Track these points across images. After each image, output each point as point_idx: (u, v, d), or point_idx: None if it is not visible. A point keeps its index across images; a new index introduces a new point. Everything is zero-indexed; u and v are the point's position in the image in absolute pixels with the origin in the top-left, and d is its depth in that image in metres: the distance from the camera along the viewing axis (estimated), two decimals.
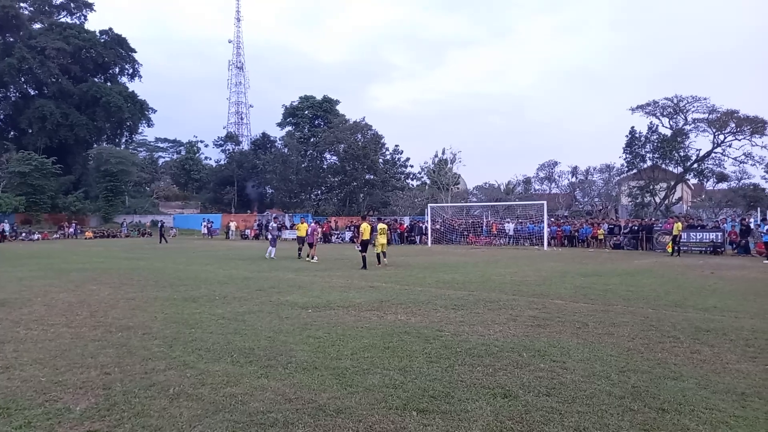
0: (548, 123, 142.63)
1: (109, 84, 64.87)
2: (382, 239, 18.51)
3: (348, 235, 37.98)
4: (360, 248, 17.82)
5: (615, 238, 28.26)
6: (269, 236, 22.71)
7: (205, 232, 45.67)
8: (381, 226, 18.48)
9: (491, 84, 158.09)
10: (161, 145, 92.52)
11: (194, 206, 73.36)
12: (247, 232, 44.42)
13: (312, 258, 20.27)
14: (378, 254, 18.27)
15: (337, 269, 16.80)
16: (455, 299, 10.38)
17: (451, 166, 57.53)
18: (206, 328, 7.70)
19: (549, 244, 29.30)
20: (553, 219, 36.40)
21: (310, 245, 20.74)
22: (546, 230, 29.13)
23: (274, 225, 23.59)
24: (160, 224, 41.67)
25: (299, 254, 21.81)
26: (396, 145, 71.25)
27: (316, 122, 76.26)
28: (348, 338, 7.05)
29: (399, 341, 6.92)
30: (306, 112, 74.46)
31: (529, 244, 31.63)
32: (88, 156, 57.33)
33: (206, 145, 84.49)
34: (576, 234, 30.64)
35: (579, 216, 50.17)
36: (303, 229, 22.29)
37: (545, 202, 30.17)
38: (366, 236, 17.64)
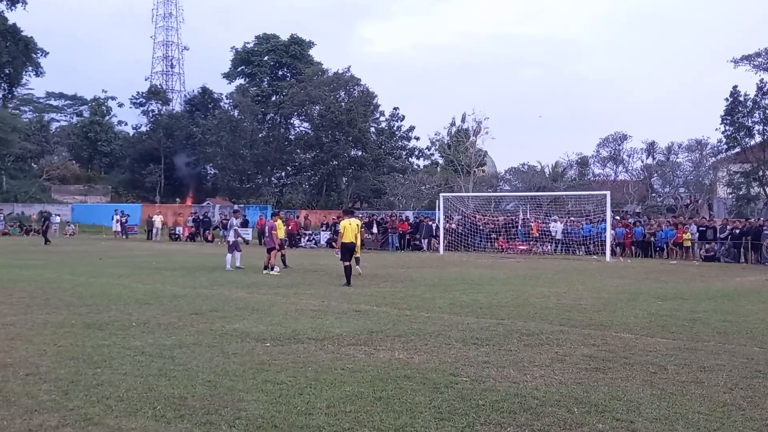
0: (610, 80, 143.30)
1: None
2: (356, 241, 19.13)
3: (325, 236, 38.04)
4: (340, 255, 17.87)
5: (708, 246, 28.45)
6: (229, 237, 22.90)
7: (118, 229, 45.61)
8: (349, 222, 18.08)
9: (527, 25, 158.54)
10: (55, 103, 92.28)
11: (102, 192, 73.23)
12: (179, 230, 44.40)
13: (271, 269, 20.30)
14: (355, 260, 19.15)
15: (308, 285, 16.88)
16: (477, 330, 10.42)
17: (474, 139, 57.56)
18: (118, 367, 7.69)
19: (613, 252, 29.47)
20: (619, 217, 36.62)
21: (268, 251, 20.78)
22: (609, 233, 29.27)
23: (236, 222, 23.00)
24: (43, 217, 41.44)
25: (284, 261, 22.30)
26: (395, 108, 71.58)
27: (280, 73, 76.30)
28: (323, 384, 7.06)
29: (396, 389, 6.93)
30: (265, 59, 74.49)
31: (584, 252, 31.82)
32: None
33: (120, 105, 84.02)
34: (652, 239, 30.81)
35: (656, 213, 50.37)
36: (281, 228, 22.94)
37: (608, 193, 30.27)
38: (349, 238, 17.69)
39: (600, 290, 16.39)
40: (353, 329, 10.37)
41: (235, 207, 37.58)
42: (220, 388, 6.86)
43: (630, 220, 35.38)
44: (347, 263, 17.43)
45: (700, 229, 29.99)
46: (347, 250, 17.63)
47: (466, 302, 13.79)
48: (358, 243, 19.23)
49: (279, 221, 23.40)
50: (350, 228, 17.83)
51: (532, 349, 9.13)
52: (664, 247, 30.55)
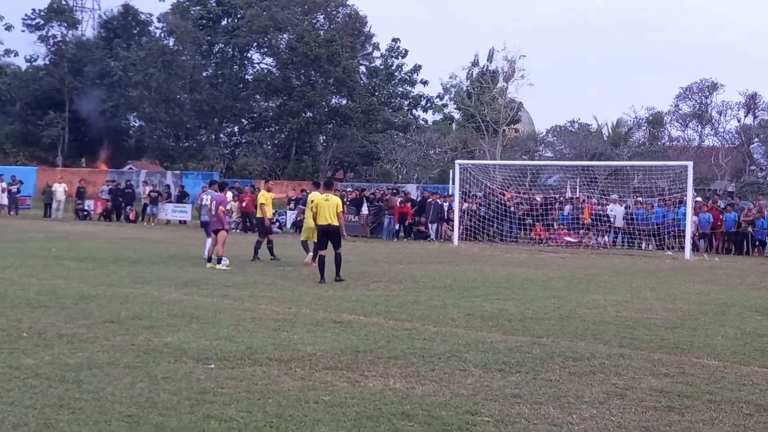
0: (698, 7, 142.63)
1: None
2: (312, 220, 20.01)
3: (291, 216, 38.09)
4: (314, 243, 18.11)
5: None
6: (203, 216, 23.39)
7: (4, 202, 45.47)
8: (325, 198, 18.38)
9: None
10: None
11: None
12: (89, 204, 44.34)
13: (218, 261, 20.31)
14: (303, 243, 21.68)
15: (269, 285, 17.04)
16: (504, 352, 10.46)
17: (504, 85, 57.25)
18: (4, 393, 7.69)
19: (695, 247, 29.55)
20: (703, 199, 36.62)
21: (215, 232, 20.75)
22: (690, 221, 29.32)
23: (208, 198, 22.31)
24: None
25: (272, 252, 23.31)
26: (394, 40, 71.20)
27: None
28: (288, 424, 7.07)
29: None
30: None
31: (654, 246, 31.89)
32: None
33: (8, 27, 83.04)
34: (750, 229, 30.89)
35: (756, 193, 50.15)
36: (262, 201, 23.84)
37: (690, 164, 30.28)
38: (324, 219, 18.00)
39: (676, 299, 16.49)
40: (331, 347, 10.39)
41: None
42: (145, 426, 6.87)
43: (720, 203, 35.34)
44: (323, 253, 17.73)
45: None
46: (323, 235, 17.86)
47: (489, 312, 13.85)
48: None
49: (266, 193, 24.25)
50: (326, 206, 17.96)
51: (580, 379, 9.15)
52: (766, 240, 30.60)
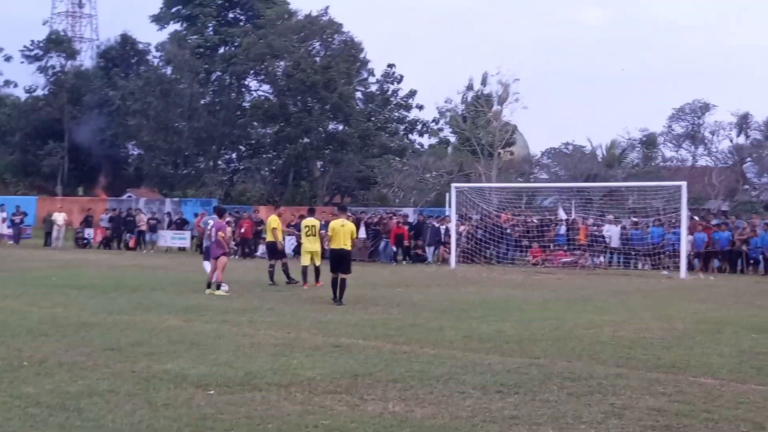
0: (690, 27, 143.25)
1: None
2: (311, 245, 22.23)
3: (291, 241, 38.02)
4: (330, 265, 18.53)
5: None
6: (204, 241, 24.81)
7: (6, 231, 45.43)
8: (341, 224, 18.91)
9: None
10: None
11: None
12: (89, 232, 44.33)
13: (217, 287, 20.30)
14: (304, 269, 22.38)
15: (268, 310, 17.04)
16: (502, 373, 10.45)
17: (499, 108, 57.22)
18: (2, 424, 7.67)
19: (690, 267, 29.55)
20: (698, 218, 36.63)
21: (215, 258, 20.76)
22: (685, 240, 29.33)
23: (212, 222, 22.16)
24: None
25: (271, 276, 23.38)
26: (389, 66, 71.21)
27: (231, 16, 75.96)
28: None
29: None
30: None
31: (649, 266, 31.87)
32: None
33: (8, 58, 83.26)
34: (744, 248, 30.90)
35: (750, 212, 50.06)
36: (269, 228, 24.53)
37: (684, 184, 30.34)
38: (339, 243, 18.39)
39: (672, 319, 16.50)
40: (331, 371, 10.36)
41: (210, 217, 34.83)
42: None
43: (713, 222, 35.29)
44: (335, 276, 18.09)
45: None
46: (334, 259, 18.12)
47: (487, 334, 13.84)
48: (317, 248, 22.63)
49: (276, 218, 24.64)
50: (341, 231, 18.23)
51: (579, 399, 9.13)
52: (760, 258, 30.60)
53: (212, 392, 9.12)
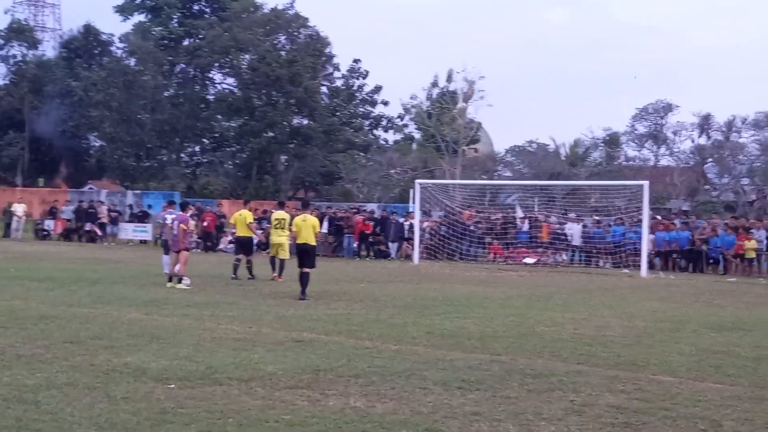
0: (653, 32, 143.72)
1: None
2: (278, 237, 22.56)
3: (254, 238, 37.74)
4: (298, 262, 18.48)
5: None
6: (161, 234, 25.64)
7: None
8: (303, 219, 18.91)
9: None
10: None
11: None
12: (49, 224, 43.84)
13: (179, 281, 20.18)
14: (273, 260, 23.02)
15: (230, 304, 16.93)
16: (464, 370, 10.47)
17: (464, 105, 57.14)
18: None
19: (650, 265, 29.69)
20: (659, 217, 36.78)
21: (176, 252, 20.65)
22: (646, 239, 29.46)
23: (170, 217, 23.17)
24: None
25: (235, 272, 23.31)
26: (355, 61, 71.17)
27: (196, 8, 75.33)
28: None
29: None
30: None
31: (610, 264, 31.98)
32: None
33: None
34: (704, 247, 31.09)
35: (710, 212, 50.09)
36: (242, 223, 24.06)
37: (646, 183, 30.47)
38: (303, 239, 18.45)
39: (633, 317, 16.62)
40: (292, 366, 10.33)
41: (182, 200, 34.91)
42: None
43: (676, 222, 35.40)
44: (307, 270, 18.01)
45: None
46: (302, 254, 18.09)
47: (449, 331, 13.88)
48: (284, 241, 22.32)
49: (250, 213, 24.98)
50: (304, 226, 18.22)
51: (539, 396, 9.16)
52: (720, 258, 30.80)
53: (173, 386, 9.05)
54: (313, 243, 18.64)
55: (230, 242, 33.27)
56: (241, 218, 24.04)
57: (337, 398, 8.77)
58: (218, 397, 8.59)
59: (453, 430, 7.64)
